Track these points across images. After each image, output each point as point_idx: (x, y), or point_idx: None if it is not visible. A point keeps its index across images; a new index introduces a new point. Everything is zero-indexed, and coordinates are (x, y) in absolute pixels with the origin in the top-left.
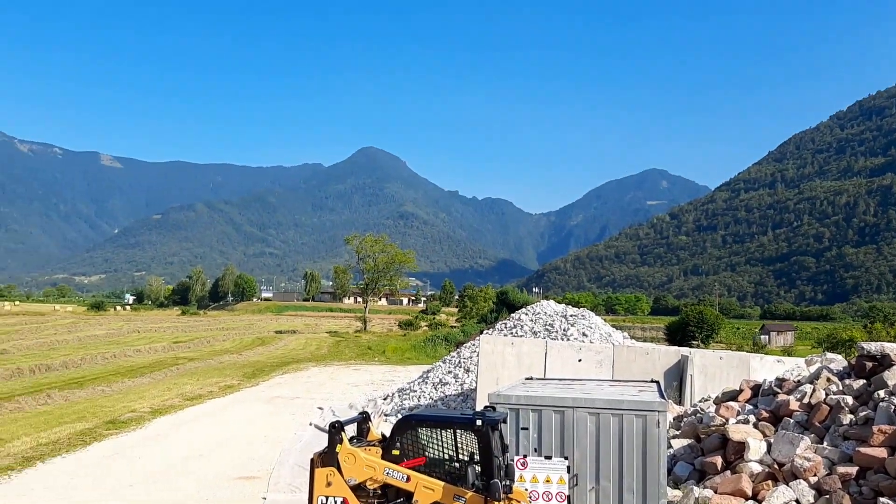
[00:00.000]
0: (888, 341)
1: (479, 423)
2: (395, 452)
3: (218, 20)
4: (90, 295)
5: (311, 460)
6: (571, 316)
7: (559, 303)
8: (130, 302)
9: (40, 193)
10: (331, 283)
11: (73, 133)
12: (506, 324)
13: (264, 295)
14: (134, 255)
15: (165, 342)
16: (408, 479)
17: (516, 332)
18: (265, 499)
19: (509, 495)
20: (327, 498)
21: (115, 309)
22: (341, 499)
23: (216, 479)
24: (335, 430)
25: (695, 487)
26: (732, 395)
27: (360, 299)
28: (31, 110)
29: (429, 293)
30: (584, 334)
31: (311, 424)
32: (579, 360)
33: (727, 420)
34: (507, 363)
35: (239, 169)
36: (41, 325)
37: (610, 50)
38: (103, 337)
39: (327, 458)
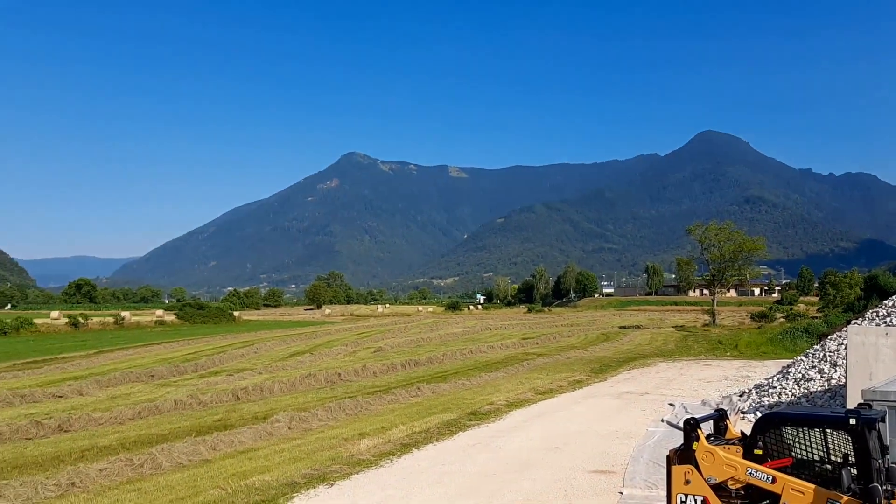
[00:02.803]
0: None
1: (853, 421)
2: (758, 452)
3: (539, 29)
4: (446, 296)
5: (668, 457)
6: None
7: None
8: (481, 301)
9: (401, 207)
10: (673, 275)
11: (424, 150)
12: (877, 312)
13: (606, 290)
14: (482, 257)
15: (515, 339)
16: (773, 481)
17: (890, 321)
18: (622, 493)
19: (892, 501)
20: (687, 496)
21: (468, 308)
22: (701, 497)
23: (571, 471)
24: (691, 426)
25: None
26: None
27: (706, 291)
28: (389, 134)
29: (783, 282)
30: None
31: (662, 420)
32: None
33: None
34: (881, 356)
35: (574, 167)
36: (408, 325)
37: None
38: (460, 335)
39: (684, 455)
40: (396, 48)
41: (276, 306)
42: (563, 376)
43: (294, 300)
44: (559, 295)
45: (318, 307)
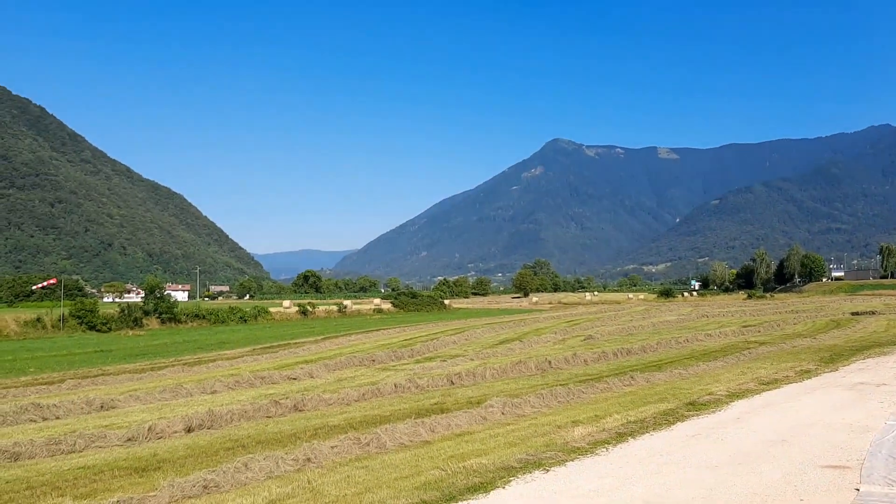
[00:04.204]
0: None
1: None
2: None
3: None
4: (658, 283)
5: None
6: None
7: None
8: (696, 287)
9: (607, 192)
10: None
11: (631, 132)
12: None
13: (835, 274)
14: (695, 241)
15: (734, 326)
16: None
17: None
18: (858, 490)
19: None
20: None
21: (682, 295)
22: None
23: (800, 465)
24: None
25: None
26: None
27: None
28: (595, 118)
29: None
30: None
31: None
32: None
33: None
34: None
35: (795, 143)
36: (618, 313)
37: None
38: (674, 322)
39: None
40: (599, 32)
41: (483, 294)
42: (788, 366)
43: (501, 288)
44: (782, 280)
45: (525, 295)
